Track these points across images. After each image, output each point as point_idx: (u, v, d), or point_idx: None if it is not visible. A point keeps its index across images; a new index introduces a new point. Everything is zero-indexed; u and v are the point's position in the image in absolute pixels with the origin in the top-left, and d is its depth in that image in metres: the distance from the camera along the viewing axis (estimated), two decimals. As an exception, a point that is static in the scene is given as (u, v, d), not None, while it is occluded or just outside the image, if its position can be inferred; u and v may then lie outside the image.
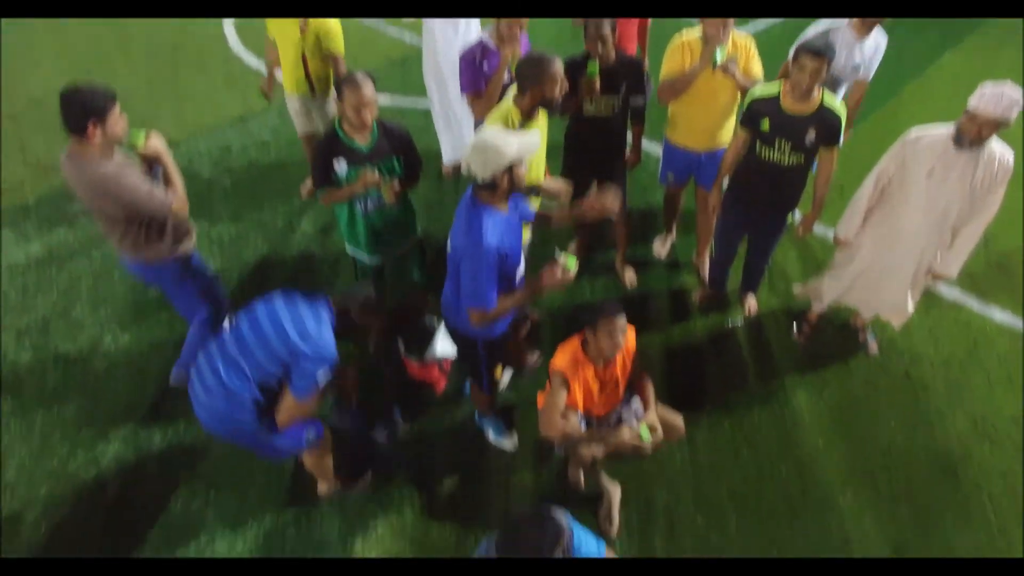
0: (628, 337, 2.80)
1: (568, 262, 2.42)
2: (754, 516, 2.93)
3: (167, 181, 2.68)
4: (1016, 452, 3.14)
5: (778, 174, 3.12)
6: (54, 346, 3.46)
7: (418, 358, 3.31)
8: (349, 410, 3.06)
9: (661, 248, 4.20)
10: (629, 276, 4.01)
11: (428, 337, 3.37)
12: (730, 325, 3.76)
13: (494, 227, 2.34)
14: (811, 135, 2.95)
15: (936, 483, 3.05)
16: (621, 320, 2.58)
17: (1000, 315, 3.80)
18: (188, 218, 2.86)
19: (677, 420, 2.88)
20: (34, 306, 3.67)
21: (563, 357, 2.68)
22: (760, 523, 2.90)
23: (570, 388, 2.64)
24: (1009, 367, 3.52)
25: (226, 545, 2.73)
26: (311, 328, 2.33)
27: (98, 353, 3.44)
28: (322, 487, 2.90)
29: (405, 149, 3.00)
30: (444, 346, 3.29)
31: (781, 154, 3.04)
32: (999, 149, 2.77)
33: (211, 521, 2.81)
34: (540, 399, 2.89)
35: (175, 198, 2.66)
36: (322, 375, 2.34)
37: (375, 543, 2.77)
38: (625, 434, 2.62)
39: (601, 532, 2.83)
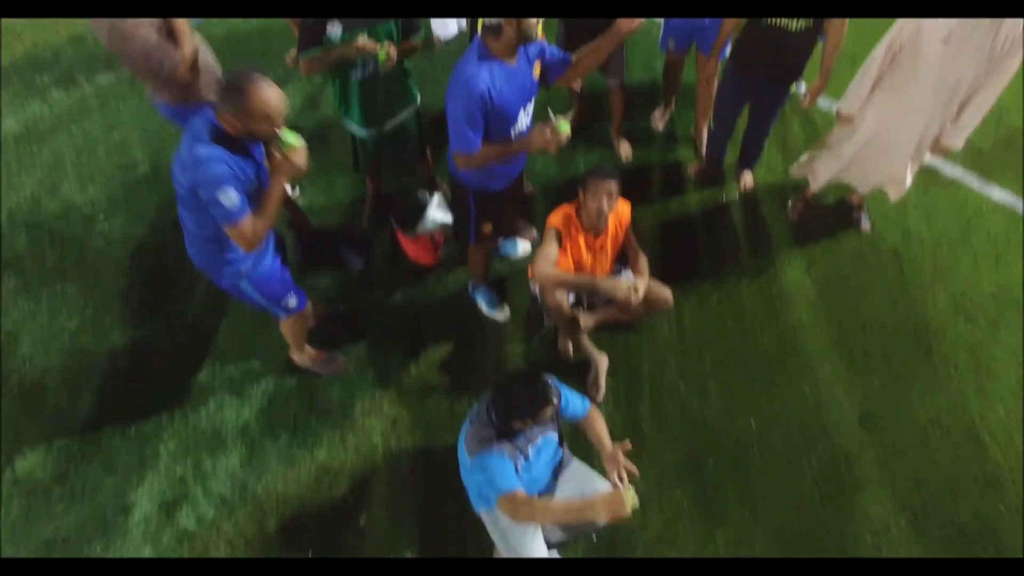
0: (623, 210, 2.87)
1: (560, 124, 2.40)
2: (734, 385, 3.11)
3: (176, 38, 2.76)
4: (988, 327, 3.27)
5: (783, 39, 2.96)
6: (48, 226, 3.49)
7: (410, 231, 3.34)
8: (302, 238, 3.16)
9: (659, 120, 4.09)
10: (624, 148, 3.95)
11: (420, 210, 3.39)
12: (724, 200, 3.76)
13: (489, 74, 2.31)
14: None
15: (909, 356, 3.21)
16: (612, 183, 2.63)
17: (999, 194, 3.79)
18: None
19: (665, 293, 2.98)
20: (21, 184, 3.65)
21: (557, 215, 2.78)
22: (739, 391, 3.09)
23: (562, 244, 2.74)
24: (998, 246, 3.57)
25: (234, 412, 2.93)
26: (186, 156, 2.09)
27: (93, 232, 3.48)
28: (294, 355, 3.04)
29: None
30: (435, 216, 3.32)
31: (787, 18, 2.87)
32: None
33: (219, 390, 3.00)
34: (530, 270, 2.97)
35: (182, 56, 2.76)
36: (224, 196, 2.08)
37: (373, 409, 2.98)
38: (614, 284, 2.67)
39: (588, 398, 3.02)
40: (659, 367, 3.15)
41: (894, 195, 3.39)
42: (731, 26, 3.12)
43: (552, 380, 2.19)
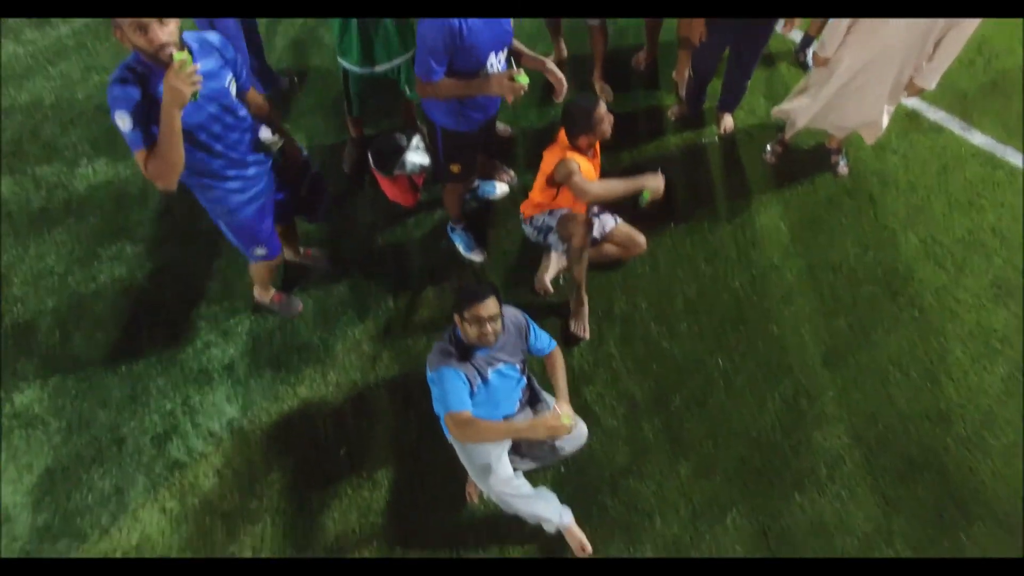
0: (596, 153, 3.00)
1: (519, 76, 2.46)
2: (704, 325, 3.23)
3: None
4: (954, 271, 3.37)
5: None
6: (31, 170, 3.55)
7: (389, 173, 3.40)
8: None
9: (640, 62, 4.07)
10: (606, 91, 3.95)
11: (398, 152, 3.44)
12: (703, 143, 3.80)
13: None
14: None
15: (876, 299, 3.32)
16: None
17: (979, 139, 3.82)
18: None
19: (640, 238, 3.11)
20: (1, 127, 3.68)
21: (555, 152, 2.87)
22: (709, 331, 3.22)
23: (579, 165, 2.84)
24: (972, 191, 3.63)
25: (219, 351, 3.08)
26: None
27: (76, 176, 3.54)
28: (256, 292, 3.16)
29: None
30: (414, 159, 3.37)
31: None
32: None
33: (205, 331, 3.13)
34: (534, 193, 3.07)
35: None
36: (119, 119, 2.04)
37: (353, 347, 3.11)
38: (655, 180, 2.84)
39: (570, 337, 3.16)
40: (632, 307, 3.27)
41: (870, 138, 3.42)
42: None
43: (521, 311, 2.36)
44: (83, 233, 3.37)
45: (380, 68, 3.12)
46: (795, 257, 3.43)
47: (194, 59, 2.08)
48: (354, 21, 2.89)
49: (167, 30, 1.97)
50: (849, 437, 2.97)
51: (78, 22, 4.14)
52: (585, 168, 2.84)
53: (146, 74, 2.04)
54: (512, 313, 2.50)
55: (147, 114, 2.05)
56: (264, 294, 3.17)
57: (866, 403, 3.05)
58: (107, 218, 3.43)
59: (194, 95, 1.99)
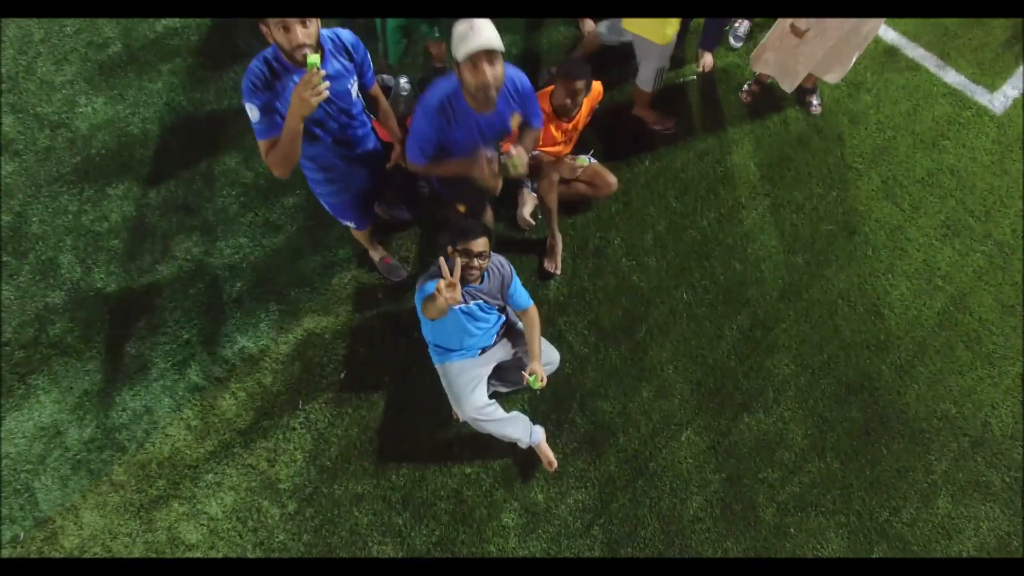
0: (594, 90, 3.14)
1: (514, 161, 2.49)
2: (671, 260, 3.48)
3: None
4: (910, 211, 3.58)
5: None
6: (32, 107, 3.64)
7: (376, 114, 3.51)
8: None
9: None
10: (588, 27, 3.95)
11: (386, 92, 3.53)
12: (681, 81, 3.87)
13: (444, 117, 2.43)
14: None
15: (835, 237, 3.55)
16: (579, 83, 2.87)
17: (953, 77, 3.88)
18: None
19: (610, 177, 3.33)
20: (-3, 64, 3.74)
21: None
22: (675, 266, 3.47)
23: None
24: (938, 131, 3.75)
25: (228, 285, 3.34)
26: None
27: (76, 115, 3.64)
28: (369, 251, 3.36)
29: None
30: (403, 96, 3.48)
31: None
32: None
33: (213, 266, 3.38)
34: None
35: None
36: (249, 110, 2.19)
37: (350, 282, 3.37)
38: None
39: (545, 273, 3.41)
40: (605, 243, 3.50)
41: (834, 79, 3.49)
42: None
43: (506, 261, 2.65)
44: (90, 172, 3.53)
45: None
46: (762, 196, 3.62)
47: (325, 60, 2.20)
48: None
49: (307, 32, 2.04)
50: (796, 364, 3.30)
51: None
52: (546, 131, 3.02)
53: (279, 71, 2.15)
54: (499, 261, 2.72)
55: (274, 108, 2.16)
56: (373, 253, 3.36)
57: (814, 334, 3.35)
58: (111, 157, 3.57)
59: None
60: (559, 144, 3.17)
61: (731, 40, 3.95)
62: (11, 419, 3.06)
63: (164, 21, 3.86)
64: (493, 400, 2.86)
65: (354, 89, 2.39)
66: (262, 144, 2.23)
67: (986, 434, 3.17)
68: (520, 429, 2.91)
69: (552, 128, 3.07)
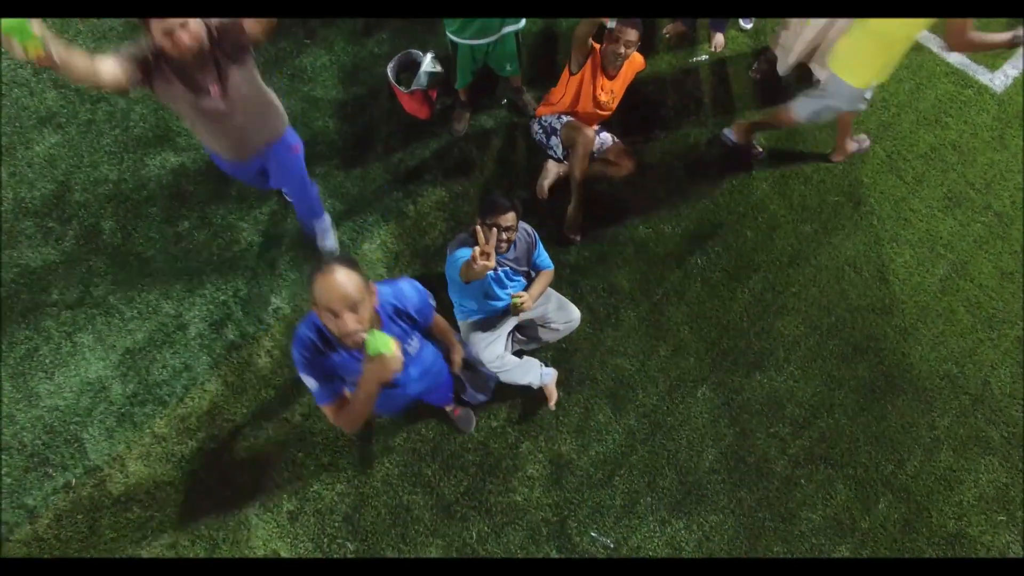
0: (636, 58, 3.23)
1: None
2: (685, 226, 3.55)
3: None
4: (914, 183, 3.65)
5: None
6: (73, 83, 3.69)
7: (405, 87, 3.59)
8: None
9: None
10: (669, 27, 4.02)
11: (414, 67, 3.61)
12: (694, 61, 3.93)
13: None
14: None
15: (840, 207, 3.62)
16: (633, 32, 2.99)
17: (955, 57, 3.96)
18: None
19: (631, 159, 3.38)
20: (40, 40, 3.79)
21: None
22: (689, 231, 3.54)
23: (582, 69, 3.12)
24: (941, 108, 3.82)
25: (262, 249, 3.40)
26: None
27: (115, 88, 3.70)
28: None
29: None
30: (429, 72, 3.55)
31: None
32: None
33: (248, 231, 3.43)
34: (552, 93, 3.36)
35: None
36: (305, 379, 1.93)
37: (379, 247, 3.43)
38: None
39: (564, 238, 3.47)
40: (622, 212, 3.57)
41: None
42: None
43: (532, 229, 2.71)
44: (129, 143, 3.59)
45: (480, 42, 3.21)
46: (771, 168, 3.69)
47: (383, 326, 1.96)
48: None
49: (355, 317, 1.73)
50: (805, 326, 3.37)
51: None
52: (591, 83, 3.14)
53: (334, 342, 1.90)
54: (525, 229, 2.81)
55: (334, 375, 1.93)
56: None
57: (823, 297, 3.43)
58: (149, 129, 3.63)
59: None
60: (600, 107, 3.26)
61: (741, 22, 4.02)
62: (60, 374, 3.12)
63: None
64: (506, 352, 2.95)
65: (413, 345, 2.14)
66: (326, 409, 1.94)
67: (986, 392, 3.24)
68: (532, 374, 3.00)
69: (597, 88, 3.17)
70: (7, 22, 1.87)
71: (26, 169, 3.52)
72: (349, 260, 1.80)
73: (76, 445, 3.01)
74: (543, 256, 2.91)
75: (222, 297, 3.32)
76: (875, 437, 3.16)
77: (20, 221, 3.40)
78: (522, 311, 2.78)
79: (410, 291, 2.08)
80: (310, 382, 1.90)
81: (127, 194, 3.49)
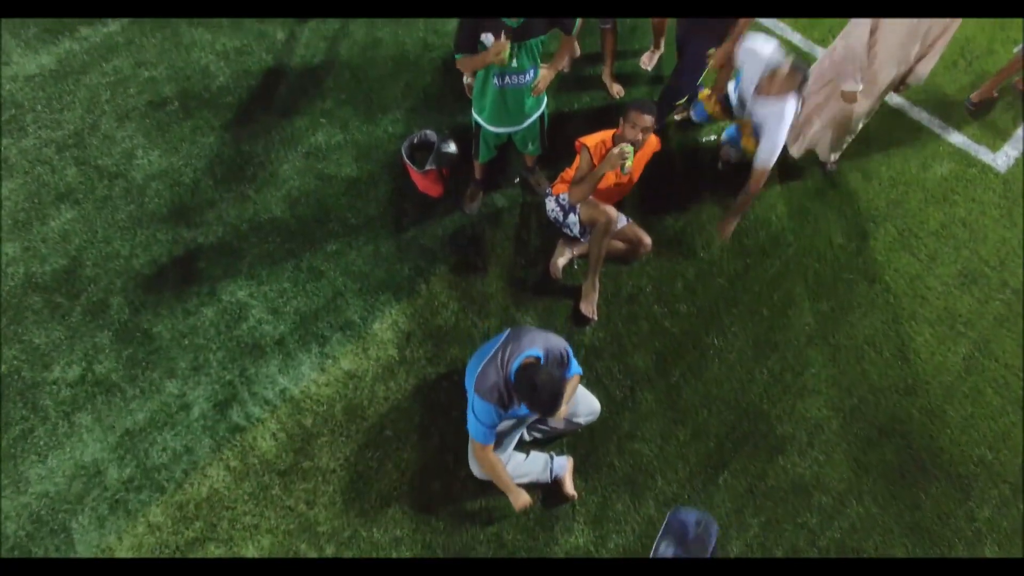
0: (650, 141, 3.15)
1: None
2: (701, 305, 3.43)
3: None
4: (927, 260, 3.56)
5: None
6: (94, 160, 3.68)
7: (419, 166, 3.55)
8: None
9: (648, 62, 4.18)
10: (616, 88, 4.06)
11: (428, 147, 3.59)
12: (704, 140, 3.93)
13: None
14: None
15: (855, 285, 3.52)
16: (649, 119, 2.93)
17: (956, 138, 3.96)
18: None
19: (646, 238, 3.32)
20: (64, 120, 3.80)
21: (594, 138, 3.09)
22: (705, 311, 3.41)
23: (592, 163, 3.07)
24: (947, 186, 3.79)
25: (271, 327, 3.27)
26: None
27: (133, 165, 3.67)
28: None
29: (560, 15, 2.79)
30: (443, 153, 3.53)
31: None
32: None
33: (257, 309, 3.31)
34: (567, 172, 3.30)
35: None
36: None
37: (390, 326, 3.30)
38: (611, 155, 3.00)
39: (581, 318, 3.34)
40: (637, 290, 3.46)
41: (825, 157, 3.63)
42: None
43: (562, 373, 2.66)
44: (143, 219, 3.53)
45: (505, 129, 3.23)
46: (784, 245, 3.61)
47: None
48: (491, 87, 2.97)
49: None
50: (828, 407, 3.20)
51: (125, 18, 4.21)
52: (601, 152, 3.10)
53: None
54: (556, 345, 2.69)
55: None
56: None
57: (843, 377, 3.27)
58: (164, 205, 3.58)
59: None
60: (619, 185, 3.22)
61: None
62: (53, 457, 2.93)
63: (219, 80, 3.95)
64: (509, 449, 2.83)
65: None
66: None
67: (1025, 480, 3.03)
68: (537, 471, 2.86)
69: (611, 173, 3.10)
70: None
71: (40, 244, 3.44)
72: None
73: (63, 536, 2.78)
74: (574, 366, 2.79)
75: (228, 376, 3.16)
76: (910, 528, 2.93)
77: (28, 296, 3.29)
78: (558, 418, 2.72)
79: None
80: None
81: (138, 269, 3.39)
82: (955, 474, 3.03)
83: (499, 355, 2.61)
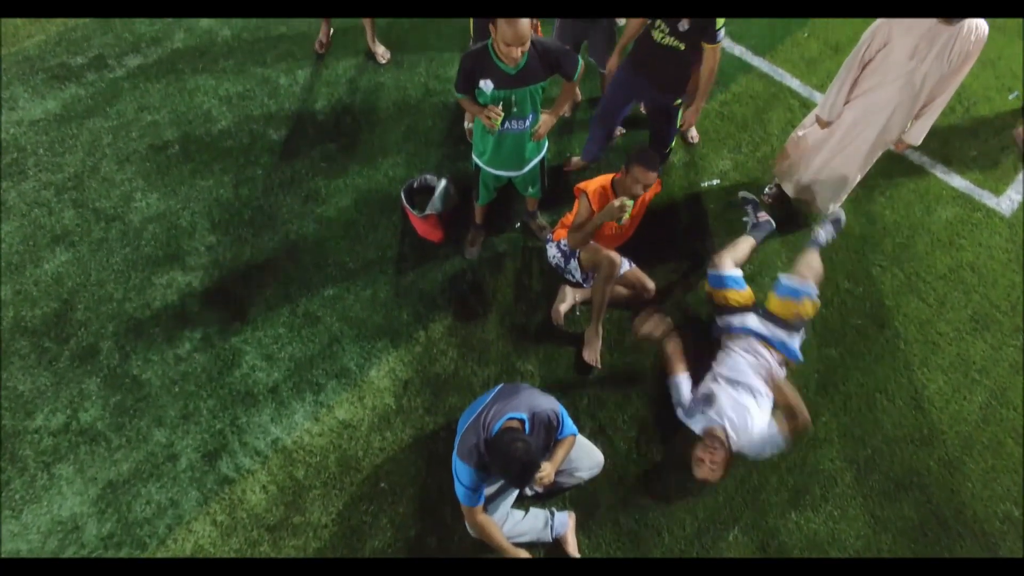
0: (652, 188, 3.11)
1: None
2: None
3: None
4: (937, 305, 3.46)
5: (669, 54, 3.10)
6: (92, 202, 3.63)
7: (419, 210, 3.49)
8: None
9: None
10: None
11: (428, 192, 3.54)
12: (705, 186, 3.88)
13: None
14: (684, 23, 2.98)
15: (865, 331, 3.40)
16: (653, 176, 2.90)
17: (959, 182, 3.91)
18: None
19: (649, 283, 3.25)
20: (65, 163, 3.77)
21: (593, 184, 3.04)
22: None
23: (592, 209, 3.01)
24: (953, 230, 3.72)
25: (264, 375, 3.15)
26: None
27: (131, 208, 3.62)
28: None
29: (561, 59, 2.76)
30: (443, 198, 3.48)
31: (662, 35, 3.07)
32: (975, 21, 2.73)
33: (250, 355, 3.20)
34: (567, 217, 3.25)
35: None
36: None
37: (386, 373, 3.18)
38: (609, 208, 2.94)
39: (584, 365, 3.22)
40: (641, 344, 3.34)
41: (823, 205, 3.55)
42: (635, 28, 3.28)
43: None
44: (138, 262, 3.45)
45: (505, 173, 3.19)
46: (790, 290, 3.51)
47: None
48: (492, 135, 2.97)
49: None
50: (841, 459, 3.05)
51: (131, 63, 4.24)
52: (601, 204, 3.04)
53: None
54: (545, 406, 2.57)
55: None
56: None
57: (856, 427, 3.13)
58: (159, 248, 3.51)
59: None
60: (614, 235, 3.17)
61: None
62: (28, 512, 2.77)
63: (221, 124, 3.94)
64: (510, 512, 2.72)
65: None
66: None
67: (1054, 539, 2.86)
68: (537, 530, 2.71)
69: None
70: None
71: (31, 287, 3.35)
72: None
73: (36, 599, 2.60)
74: (568, 425, 2.66)
75: (218, 425, 3.03)
76: (934, 591, 2.74)
77: (16, 340, 3.19)
78: (544, 484, 2.53)
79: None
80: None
81: (130, 313, 3.29)
82: (979, 531, 2.86)
83: (483, 416, 2.50)
